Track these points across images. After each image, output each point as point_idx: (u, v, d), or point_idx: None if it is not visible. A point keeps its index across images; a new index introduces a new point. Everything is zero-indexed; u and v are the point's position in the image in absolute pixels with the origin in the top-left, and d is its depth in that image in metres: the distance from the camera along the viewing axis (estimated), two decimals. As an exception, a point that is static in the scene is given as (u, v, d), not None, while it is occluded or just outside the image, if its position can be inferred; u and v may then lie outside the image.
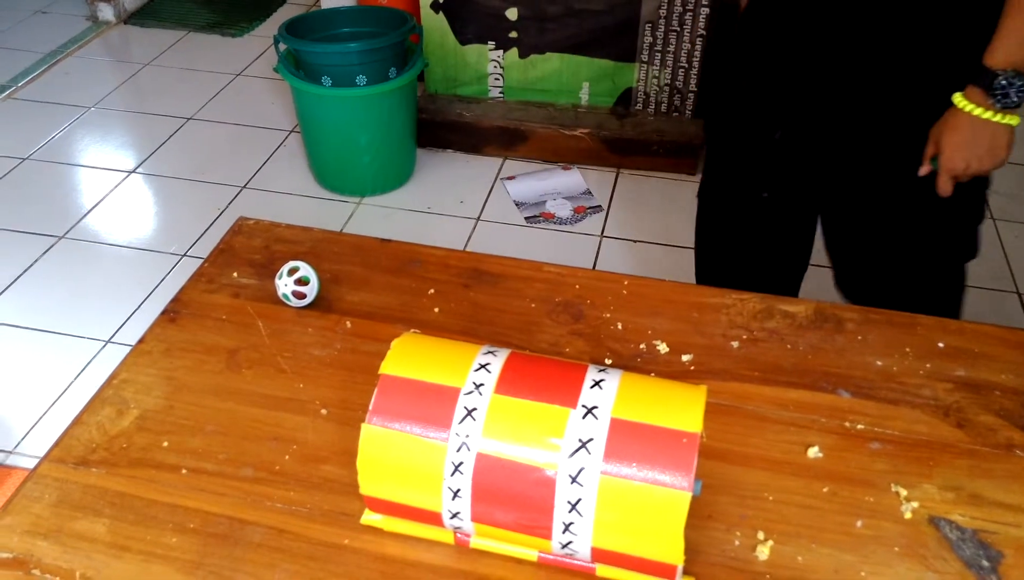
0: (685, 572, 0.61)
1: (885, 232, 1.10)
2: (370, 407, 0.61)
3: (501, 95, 2.38)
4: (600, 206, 2.16)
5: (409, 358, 0.64)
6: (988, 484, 0.68)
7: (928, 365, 0.79)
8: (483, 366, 0.63)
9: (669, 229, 2.08)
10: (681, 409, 0.59)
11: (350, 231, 2.05)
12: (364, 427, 0.60)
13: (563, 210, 2.15)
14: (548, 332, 0.85)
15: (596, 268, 1.92)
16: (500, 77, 2.35)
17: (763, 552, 0.63)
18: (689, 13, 2.16)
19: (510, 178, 2.26)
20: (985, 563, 0.62)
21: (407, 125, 2.20)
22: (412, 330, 0.82)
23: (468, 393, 0.61)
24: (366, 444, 0.60)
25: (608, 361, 0.81)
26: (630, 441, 0.58)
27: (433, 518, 0.61)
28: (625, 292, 0.90)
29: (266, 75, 2.70)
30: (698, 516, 0.65)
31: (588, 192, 2.21)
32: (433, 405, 0.61)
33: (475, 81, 2.37)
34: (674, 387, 0.62)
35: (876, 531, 0.64)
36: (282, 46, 2.06)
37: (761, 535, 0.64)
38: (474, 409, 0.60)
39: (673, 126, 2.28)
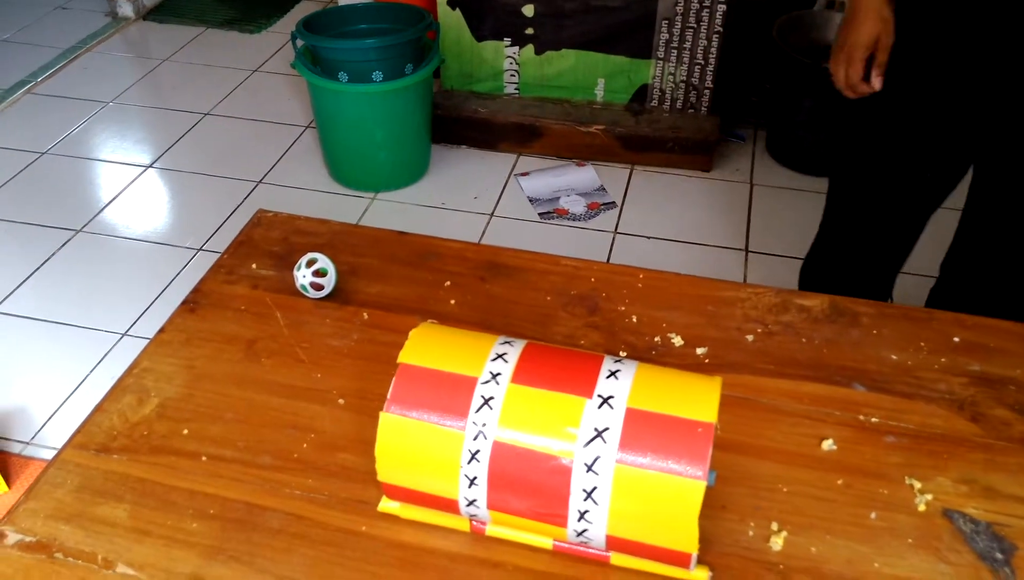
0: (699, 562, 0.61)
1: None
2: (388, 395, 0.61)
3: (516, 91, 2.39)
4: (614, 202, 2.16)
5: (427, 348, 0.65)
6: (1002, 477, 0.68)
7: (943, 359, 0.79)
8: (500, 356, 0.63)
9: (683, 226, 2.08)
10: (696, 399, 0.60)
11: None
12: (382, 415, 0.61)
13: (577, 206, 2.15)
14: (564, 324, 0.86)
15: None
16: (516, 73, 2.36)
17: (777, 543, 0.63)
18: (706, 10, 2.15)
19: (524, 174, 2.27)
20: (999, 555, 0.62)
21: (423, 121, 2.21)
22: (429, 321, 0.83)
23: (485, 382, 0.61)
24: (384, 432, 0.61)
25: (623, 353, 0.82)
26: (645, 431, 0.58)
27: (450, 505, 0.62)
28: (640, 285, 0.90)
29: (283, 71, 2.72)
30: (712, 507, 0.65)
31: (602, 188, 2.21)
32: (451, 394, 0.61)
33: (491, 77, 2.37)
34: (689, 378, 0.63)
35: (890, 523, 0.64)
36: (299, 42, 2.07)
37: (775, 526, 0.65)
38: (491, 398, 0.61)
39: (688, 123, 2.27)
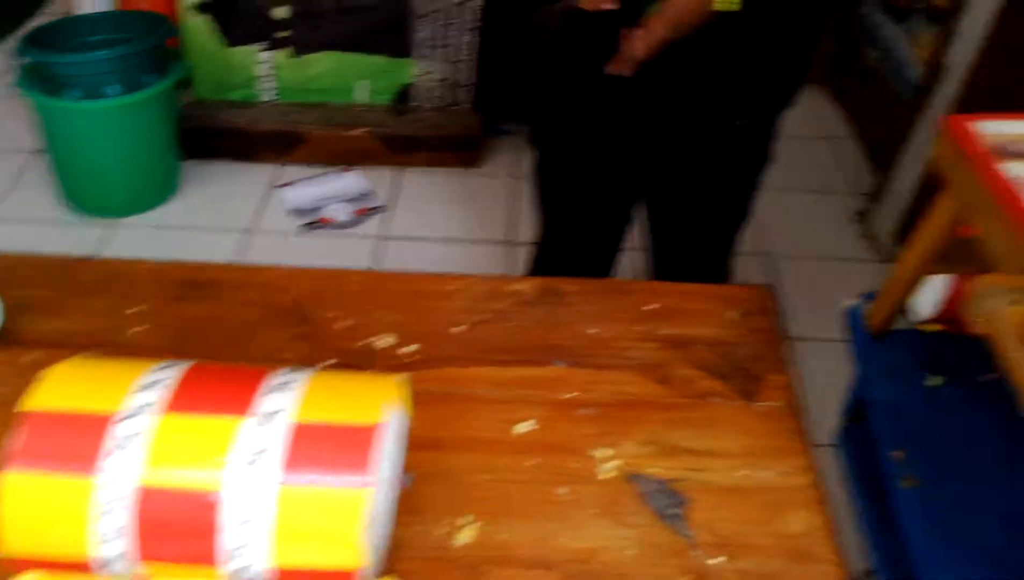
0: (388, 571, 0.58)
1: (690, 212, 1.22)
2: (4, 452, 0.52)
3: (276, 97, 2.27)
4: (383, 206, 2.12)
5: (62, 388, 0.56)
6: (683, 434, 0.70)
7: (637, 328, 0.81)
8: (150, 385, 0.56)
9: (451, 224, 2.08)
10: (369, 403, 0.56)
11: (109, 256, 1.87)
12: (-2, 476, 0.52)
13: (342, 214, 2.08)
14: (269, 338, 0.80)
15: (379, 269, 1.88)
16: (272, 78, 2.24)
17: (465, 537, 0.61)
18: (461, 6, 2.16)
19: (285, 185, 2.16)
20: (673, 510, 0.64)
21: (167, 136, 2.04)
22: (80, 355, 0.73)
23: (127, 418, 0.54)
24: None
25: (331, 361, 0.77)
26: (309, 445, 0.54)
27: (88, 567, 0.54)
28: (355, 289, 0.86)
29: (10, 93, 2.41)
30: (407, 511, 0.62)
31: (370, 193, 2.16)
32: (81, 438, 0.53)
33: (245, 84, 2.24)
34: (368, 381, 0.59)
35: (577, 496, 0.65)
36: (25, 59, 1.83)
37: (466, 519, 0.63)
38: (134, 434, 0.53)
39: (452, 120, 2.28)
